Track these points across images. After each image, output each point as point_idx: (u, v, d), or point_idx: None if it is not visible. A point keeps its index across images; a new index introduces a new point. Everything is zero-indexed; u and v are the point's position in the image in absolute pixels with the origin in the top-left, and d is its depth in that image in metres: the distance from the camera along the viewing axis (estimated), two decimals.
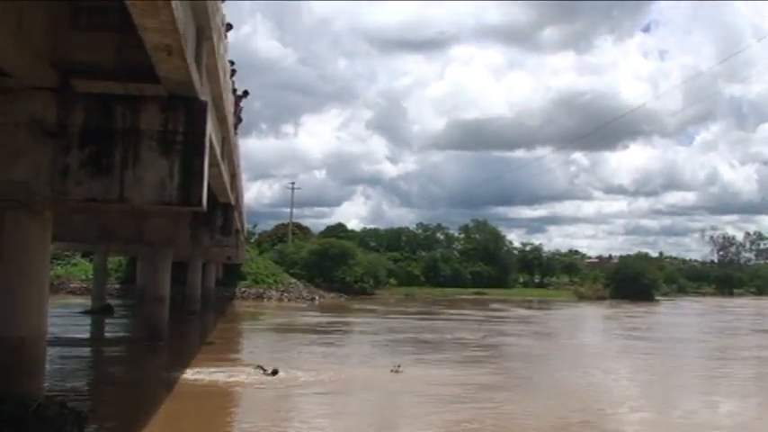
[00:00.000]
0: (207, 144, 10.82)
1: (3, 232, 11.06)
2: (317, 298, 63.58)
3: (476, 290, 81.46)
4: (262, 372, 17.68)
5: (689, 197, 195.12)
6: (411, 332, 33.82)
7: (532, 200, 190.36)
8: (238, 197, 30.77)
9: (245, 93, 21.78)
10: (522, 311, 55.87)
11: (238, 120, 21.15)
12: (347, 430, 13.28)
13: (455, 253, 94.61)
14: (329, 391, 16.47)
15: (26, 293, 11.08)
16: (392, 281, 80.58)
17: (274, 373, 17.68)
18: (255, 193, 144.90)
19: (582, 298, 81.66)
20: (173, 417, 13.62)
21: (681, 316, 57.31)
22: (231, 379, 17.31)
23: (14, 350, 11.01)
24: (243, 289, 60.79)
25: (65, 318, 33.17)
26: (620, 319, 52.08)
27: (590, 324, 49.03)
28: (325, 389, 16.58)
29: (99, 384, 17.15)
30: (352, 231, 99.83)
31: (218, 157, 17.51)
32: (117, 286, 54.50)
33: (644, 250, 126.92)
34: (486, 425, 13.76)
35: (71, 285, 56.94)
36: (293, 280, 66.84)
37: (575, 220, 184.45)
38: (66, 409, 11.56)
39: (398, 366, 19.18)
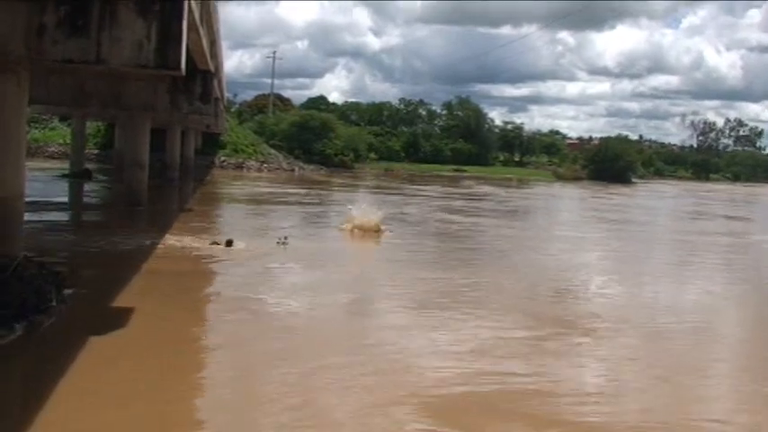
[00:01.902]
0: (185, 6, 10.58)
1: None
2: (296, 170, 63.63)
3: (455, 167, 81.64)
4: (223, 243, 17.87)
5: (672, 81, 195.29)
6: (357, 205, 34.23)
7: (516, 78, 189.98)
8: (218, 65, 30.27)
9: None
10: (489, 188, 56.30)
11: None
12: None
13: (436, 129, 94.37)
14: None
15: (3, 153, 11.00)
16: (372, 155, 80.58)
17: (229, 243, 17.80)
18: (236, 62, 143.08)
19: (560, 178, 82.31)
20: (149, 280, 13.84)
21: (650, 199, 58.11)
22: (203, 246, 17.54)
23: None
24: (222, 158, 60.65)
25: (43, 182, 33.09)
26: (585, 199, 52.78)
27: (552, 204, 48.93)
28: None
29: (77, 248, 17.26)
30: (334, 104, 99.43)
31: (197, 21, 17.13)
32: (95, 152, 54.15)
33: (624, 133, 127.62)
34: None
35: (49, 149, 56.60)
36: (273, 151, 66.67)
37: (557, 100, 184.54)
38: (44, 269, 11.69)
39: (285, 238, 19.15)
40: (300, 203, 33.74)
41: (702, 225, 35.85)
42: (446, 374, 9.18)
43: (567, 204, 49.55)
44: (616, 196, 56.36)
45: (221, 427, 7.24)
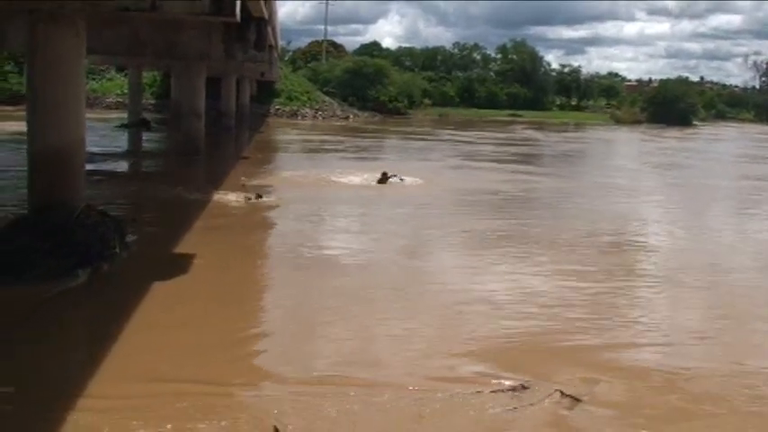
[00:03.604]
0: None
1: (37, 43, 10.99)
2: (350, 117, 63.47)
3: (511, 112, 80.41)
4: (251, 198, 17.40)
5: (734, 20, 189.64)
6: (384, 152, 35.00)
7: (573, 20, 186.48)
8: (272, 12, 30.10)
9: None
10: (531, 133, 55.24)
11: None
12: None
13: (491, 74, 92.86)
14: None
15: (63, 103, 11.14)
16: (427, 101, 79.70)
17: (258, 197, 17.41)
18: (289, 9, 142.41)
19: (618, 121, 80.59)
20: (207, 227, 14.04)
21: (711, 142, 56.64)
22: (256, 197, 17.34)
23: (54, 160, 11.22)
24: (277, 107, 60.75)
25: (102, 132, 33.58)
26: (637, 142, 51.67)
27: (596, 148, 46.51)
28: None
29: (138, 196, 17.54)
30: (387, 50, 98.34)
31: None
32: (152, 102, 54.65)
33: (684, 74, 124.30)
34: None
35: (107, 100, 57.32)
36: (327, 98, 66.50)
37: (615, 41, 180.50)
38: (107, 217, 11.90)
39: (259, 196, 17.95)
40: (347, 150, 33.88)
41: (762, 170, 34.43)
42: (504, 320, 9.18)
43: (613, 149, 48.02)
44: (671, 140, 54.67)
45: (280, 368, 7.33)
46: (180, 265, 10.64)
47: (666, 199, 22.23)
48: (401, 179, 21.17)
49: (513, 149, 38.76)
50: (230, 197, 17.31)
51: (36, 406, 6.25)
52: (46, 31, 10.82)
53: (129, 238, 11.90)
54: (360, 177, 21.71)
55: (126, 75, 49.06)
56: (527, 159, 34.06)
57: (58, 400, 6.31)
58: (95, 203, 12.46)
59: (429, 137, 45.43)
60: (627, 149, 47.04)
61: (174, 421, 6.02)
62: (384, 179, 20.91)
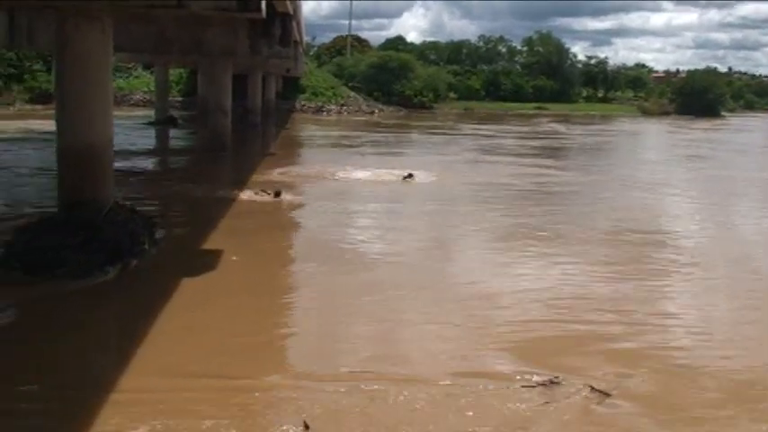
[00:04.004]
0: None
1: (65, 40, 11.08)
2: (375, 112, 63.38)
3: (537, 105, 79.74)
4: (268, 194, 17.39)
5: (763, 9, 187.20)
6: (400, 146, 34.61)
7: (599, 10, 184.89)
8: (297, 7, 30.12)
9: None
10: (554, 126, 54.60)
11: None
12: None
13: (517, 67, 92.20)
14: None
15: (91, 100, 11.22)
16: (452, 95, 79.33)
17: (277, 194, 17.30)
18: (313, 4, 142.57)
19: (646, 113, 79.77)
20: (234, 223, 14.11)
21: (735, 133, 55.90)
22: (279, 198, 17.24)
23: (83, 157, 11.31)
24: (302, 102, 60.79)
25: (129, 129, 33.77)
26: (655, 134, 51.15)
27: (622, 141, 45.36)
28: None
29: (166, 192, 17.63)
30: (412, 44, 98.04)
31: None
32: (179, 99, 54.89)
33: (712, 65, 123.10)
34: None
35: (134, 98, 57.60)
36: (352, 93, 66.38)
37: (642, 32, 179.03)
38: (135, 214, 12.00)
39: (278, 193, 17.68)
40: (365, 145, 33.87)
41: None
42: (529, 315, 9.14)
43: (638, 141, 47.19)
44: (698, 131, 53.81)
45: (310, 365, 7.35)
46: (208, 261, 10.71)
47: (689, 194, 21.82)
48: (410, 175, 21.28)
49: (534, 143, 38.32)
50: (255, 195, 17.35)
51: (64, 400, 6.36)
52: (73, 27, 10.90)
53: (158, 234, 11.98)
54: (379, 174, 21.72)
55: (153, 72, 49.29)
56: (546, 153, 33.58)
57: (84, 392, 6.40)
58: (124, 200, 12.58)
59: (451, 131, 45.09)
60: (652, 141, 46.56)
61: (201, 416, 6.06)
62: (408, 176, 21.04)
